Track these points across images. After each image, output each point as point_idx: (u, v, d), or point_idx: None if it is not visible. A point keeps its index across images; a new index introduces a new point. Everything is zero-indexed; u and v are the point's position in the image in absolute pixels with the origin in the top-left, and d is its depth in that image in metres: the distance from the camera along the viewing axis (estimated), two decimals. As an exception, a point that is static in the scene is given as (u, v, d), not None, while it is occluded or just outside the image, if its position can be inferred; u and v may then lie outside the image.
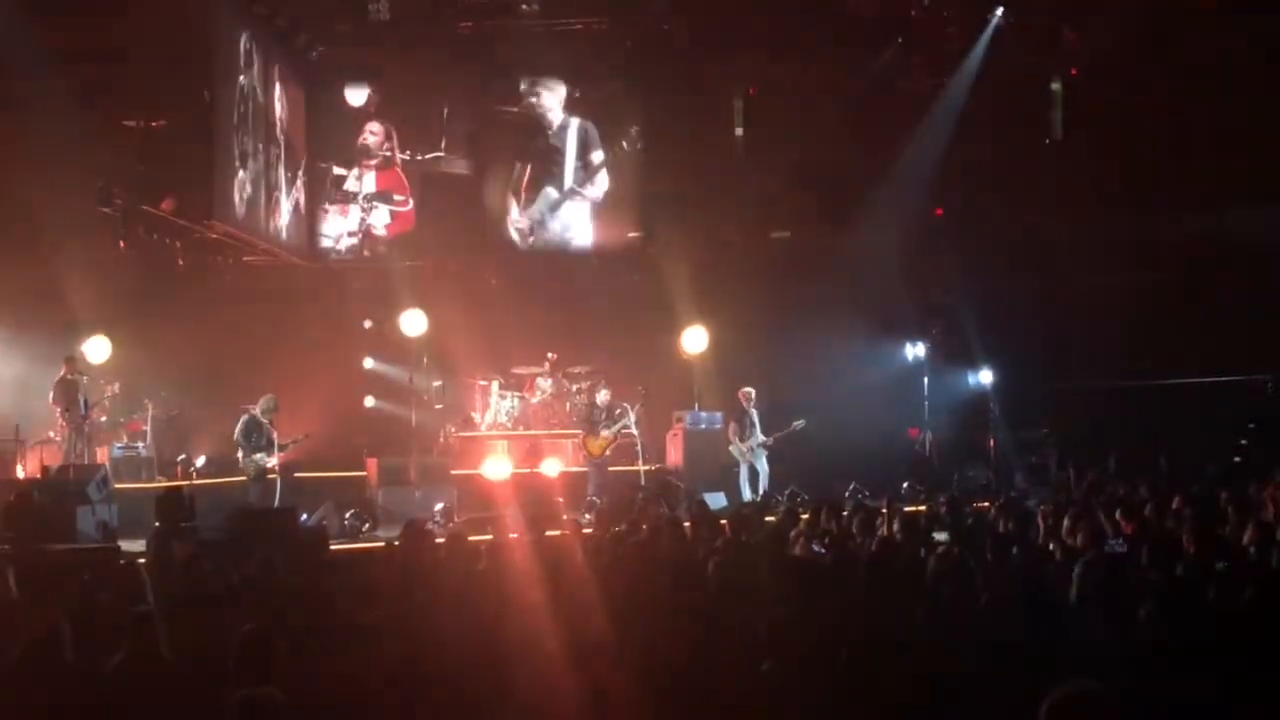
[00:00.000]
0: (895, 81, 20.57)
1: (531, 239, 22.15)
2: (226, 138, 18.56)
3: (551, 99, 21.98)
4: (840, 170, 20.81)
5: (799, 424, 17.55)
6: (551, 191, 22.05)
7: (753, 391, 17.86)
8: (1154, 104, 19.13)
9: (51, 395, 16.47)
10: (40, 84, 15.98)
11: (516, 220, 22.12)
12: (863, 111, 20.56)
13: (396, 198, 22.15)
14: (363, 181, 22.21)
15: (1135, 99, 19.44)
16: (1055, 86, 21.10)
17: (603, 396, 18.20)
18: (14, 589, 7.78)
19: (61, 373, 16.55)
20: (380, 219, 22.17)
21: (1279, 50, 17.95)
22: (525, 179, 22.11)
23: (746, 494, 17.14)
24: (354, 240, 22.19)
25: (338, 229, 22.27)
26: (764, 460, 17.51)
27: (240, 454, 15.96)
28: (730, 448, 17.71)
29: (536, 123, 22.06)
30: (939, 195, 21.39)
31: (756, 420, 17.62)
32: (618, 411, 17.86)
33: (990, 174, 20.33)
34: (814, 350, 19.53)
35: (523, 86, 21.97)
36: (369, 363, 21.04)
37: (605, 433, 17.57)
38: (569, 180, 22.02)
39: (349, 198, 22.19)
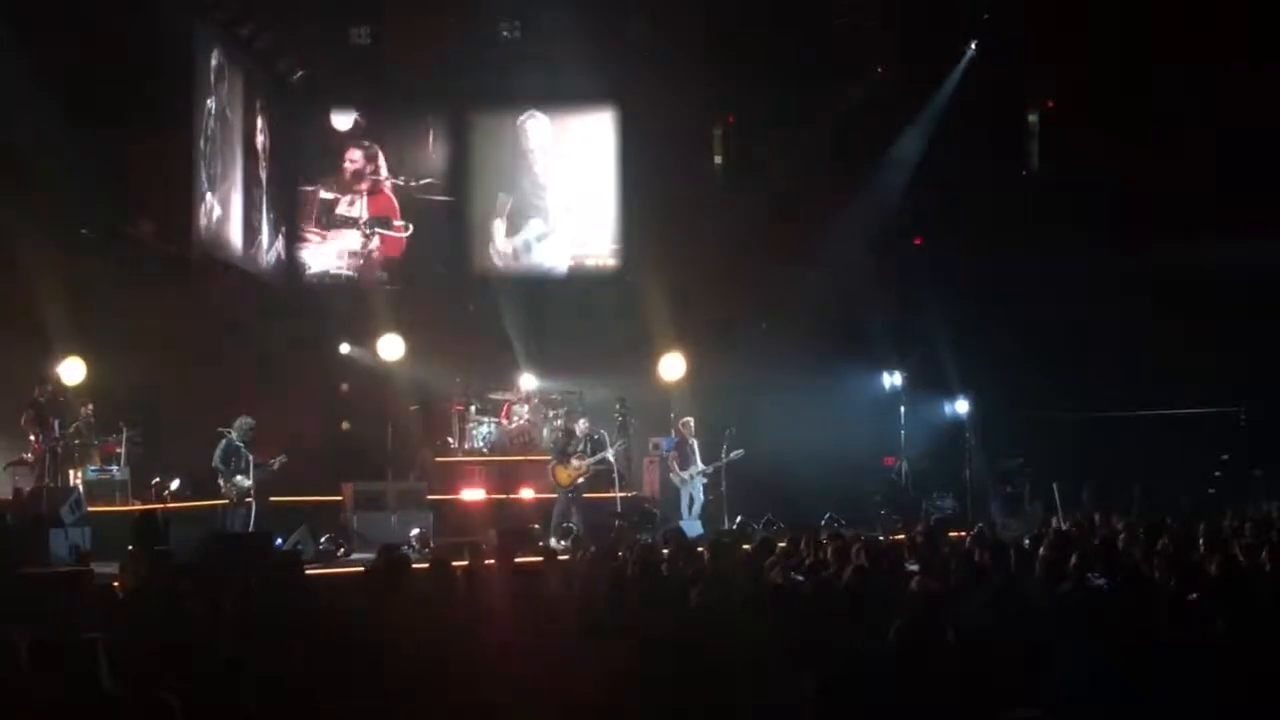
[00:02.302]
0: (874, 112, 20.67)
1: (515, 264, 22.22)
2: (205, 160, 18.54)
3: (538, 135, 22.11)
4: (819, 199, 20.91)
5: (737, 454, 17.61)
6: (539, 224, 22.15)
7: (692, 421, 17.95)
8: (1130, 136, 19.26)
9: (23, 418, 16.36)
10: (19, 104, 15.94)
11: (500, 246, 22.19)
12: (841, 141, 20.67)
13: (396, 223, 22.21)
14: (355, 207, 22.22)
15: (1111, 131, 19.57)
16: (1032, 118, 21.28)
17: (582, 426, 18.12)
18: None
19: (33, 395, 16.43)
20: (378, 243, 22.21)
21: (1253, 83, 18.10)
22: (509, 207, 22.19)
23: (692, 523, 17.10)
24: (355, 264, 22.19)
25: (329, 254, 22.26)
26: (700, 489, 17.55)
27: (221, 480, 15.86)
28: (671, 476, 17.72)
29: (522, 155, 22.17)
30: (918, 225, 21.52)
31: (696, 449, 17.67)
32: (595, 437, 17.84)
33: (968, 204, 20.43)
34: (791, 378, 19.56)
35: (515, 120, 22.09)
36: (345, 386, 20.98)
37: (576, 463, 17.45)
38: (553, 213, 22.14)
39: (348, 223, 22.20)
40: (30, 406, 16.31)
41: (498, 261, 22.24)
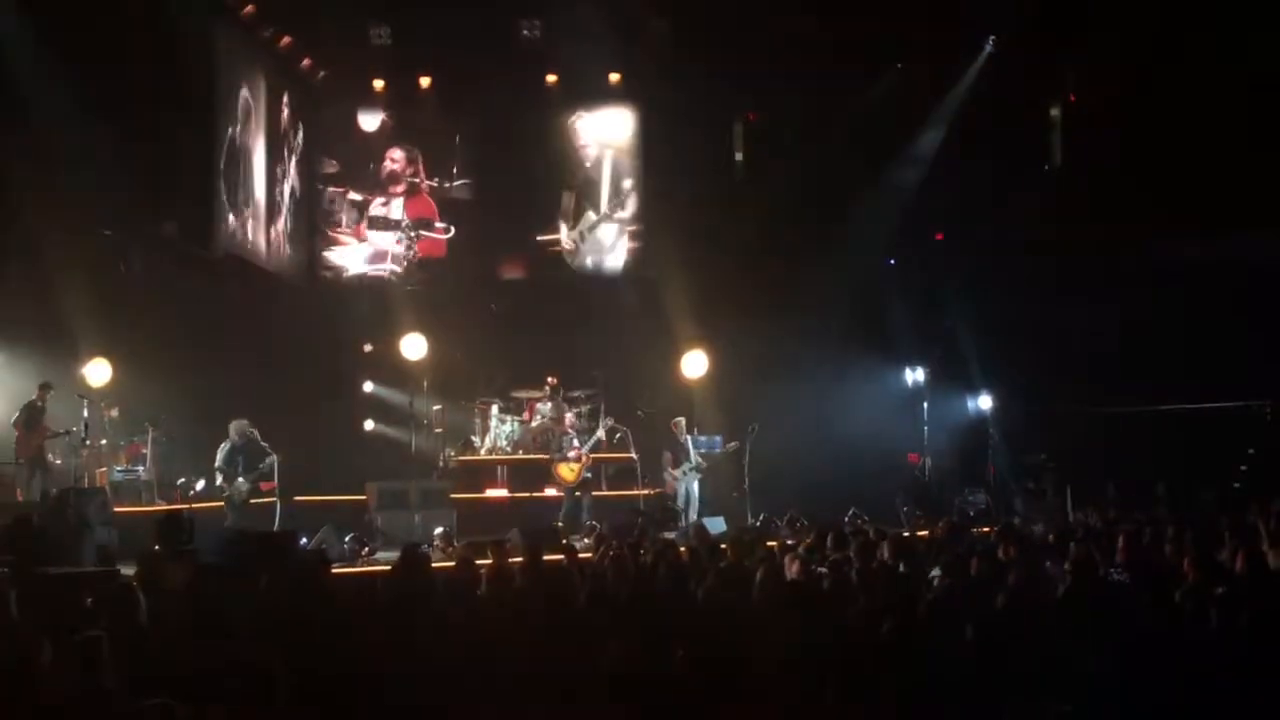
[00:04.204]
0: (894, 107, 20.65)
1: (576, 254, 22.46)
2: (228, 162, 18.63)
3: (589, 133, 22.30)
4: (840, 195, 20.89)
5: (731, 445, 17.81)
6: (591, 215, 22.44)
7: (684, 420, 17.94)
8: (1152, 129, 19.16)
9: (14, 418, 16.37)
10: (43, 106, 16.04)
11: (565, 238, 22.48)
12: (862, 137, 20.64)
13: (438, 225, 22.32)
14: (390, 208, 22.31)
15: (1133, 124, 19.48)
16: (1054, 113, 21.20)
17: (569, 419, 18.23)
18: (15, 612, 7.78)
19: (33, 398, 16.47)
20: (418, 246, 22.32)
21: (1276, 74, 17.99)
22: (573, 203, 22.37)
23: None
24: (396, 266, 22.31)
25: (365, 255, 22.34)
26: (695, 485, 17.55)
27: (224, 481, 15.88)
28: (665, 474, 17.74)
29: (575, 154, 22.30)
30: (939, 220, 21.47)
31: (690, 447, 17.70)
32: (582, 429, 17.97)
33: (990, 199, 20.38)
34: (813, 374, 19.56)
35: (570, 119, 22.37)
36: (369, 386, 21.07)
37: (573, 454, 17.52)
38: (605, 204, 22.34)
39: (389, 225, 22.28)
40: (24, 409, 16.33)
41: (565, 255, 22.46)
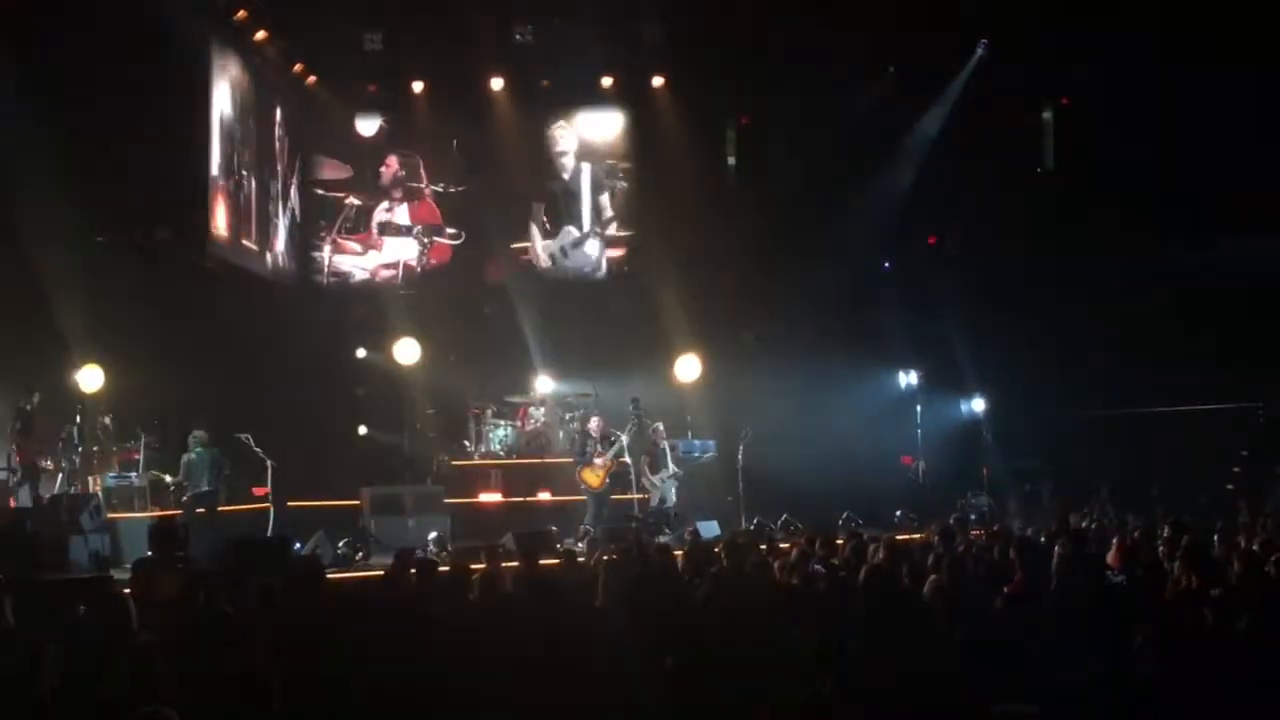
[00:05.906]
0: (887, 111, 20.66)
1: (552, 267, 22.42)
2: (222, 167, 18.59)
3: (566, 142, 22.26)
4: (832, 199, 20.89)
5: (709, 456, 18.23)
6: (572, 230, 22.34)
7: (661, 425, 17.93)
8: (1145, 134, 19.19)
9: (10, 427, 16.16)
10: (36, 111, 15.98)
11: (541, 248, 22.43)
12: (855, 140, 20.65)
13: (449, 231, 22.27)
14: (394, 213, 22.23)
15: (1126, 129, 19.51)
16: (1046, 116, 21.23)
17: (594, 425, 18.19)
18: (10, 618, 7.76)
19: (19, 404, 16.32)
20: (433, 251, 22.30)
21: (1271, 81, 18.02)
22: (544, 213, 22.36)
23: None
24: (409, 272, 22.27)
25: (372, 262, 22.30)
26: (673, 492, 17.55)
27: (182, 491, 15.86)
28: (643, 480, 17.70)
29: (550, 163, 22.31)
30: (932, 224, 21.47)
31: (668, 453, 17.72)
32: (610, 438, 17.88)
33: (983, 203, 20.41)
34: (807, 378, 19.54)
35: (540, 125, 22.27)
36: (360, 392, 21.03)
37: (599, 461, 17.52)
38: (587, 221, 22.30)
39: (399, 231, 22.20)
40: (17, 417, 16.21)
41: (540, 263, 22.41)
